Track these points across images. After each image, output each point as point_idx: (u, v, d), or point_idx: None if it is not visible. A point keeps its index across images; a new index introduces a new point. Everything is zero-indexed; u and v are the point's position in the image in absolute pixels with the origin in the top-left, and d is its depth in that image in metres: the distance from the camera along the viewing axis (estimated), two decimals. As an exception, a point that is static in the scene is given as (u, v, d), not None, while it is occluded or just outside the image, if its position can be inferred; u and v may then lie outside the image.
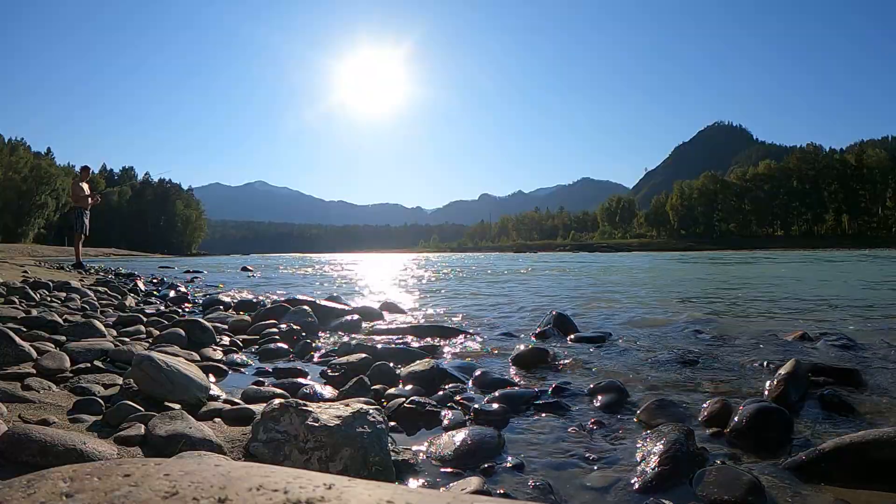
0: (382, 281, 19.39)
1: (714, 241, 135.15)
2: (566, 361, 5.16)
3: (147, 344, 5.33)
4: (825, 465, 2.74)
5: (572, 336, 6.47)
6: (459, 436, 2.90)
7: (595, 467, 2.75)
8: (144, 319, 6.81)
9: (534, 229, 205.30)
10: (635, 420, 3.52)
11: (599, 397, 3.88)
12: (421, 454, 2.84)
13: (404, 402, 3.50)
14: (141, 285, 14.44)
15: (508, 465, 2.72)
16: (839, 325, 7.79)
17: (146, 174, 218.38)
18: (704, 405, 3.65)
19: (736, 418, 3.29)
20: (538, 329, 6.72)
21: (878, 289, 14.40)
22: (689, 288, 15.56)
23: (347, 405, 2.66)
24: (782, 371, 4.08)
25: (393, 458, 2.59)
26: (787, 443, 3.16)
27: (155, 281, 17.72)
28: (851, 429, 3.26)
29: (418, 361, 4.63)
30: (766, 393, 3.97)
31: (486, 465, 2.69)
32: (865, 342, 6.43)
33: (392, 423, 3.24)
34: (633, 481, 2.56)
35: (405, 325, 7.19)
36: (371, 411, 2.62)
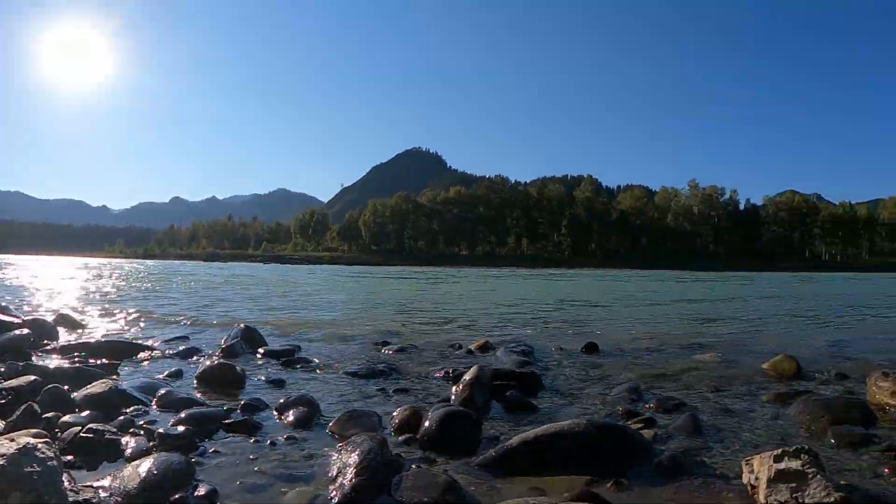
0: (58, 289, 17.67)
1: (403, 257, 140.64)
2: (255, 377, 5.10)
3: None
4: (514, 459, 3.07)
5: (261, 350, 6.40)
6: (144, 466, 2.65)
7: (292, 486, 2.74)
8: None
9: (226, 238, 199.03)
10: (328, 432, 3.58)
11: (291, 412, 3.88)
12: (103, 491, 2.55)
13: (80, 430, 3.17)
14: None
15: (201, 493, 2.59)
16: (518, 333, 8.59)
17: None
18: (395, 413, 3.84)
19: (426, 423, 3.49)
20: (225, 343, 6.52)
21: (549, 301, 16.02)
22: (375, 301, 16.15)
23: (12, 440, 2.36)
24: (467, 377, 4.41)
25: (71, 498, 2.34)
26: (477, 442, 3.44)
27: None
28: (535, 424, 3.63)
29: (96, 383, 4.22)
30: (454, 398, 4.28)
31: (176, 497, 2.52)
32: (540, 347, 7.19)
33: (69, 457, 2.93)
34: (332, 496, 2.59)
35: (83, 342, 6.55)
36: (40, 446, 2.31)
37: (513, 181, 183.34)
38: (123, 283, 22.98)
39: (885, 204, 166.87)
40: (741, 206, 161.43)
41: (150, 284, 21.92)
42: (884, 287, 32.46)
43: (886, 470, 3.07)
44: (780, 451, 2.61)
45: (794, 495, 2.46)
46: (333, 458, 2.92)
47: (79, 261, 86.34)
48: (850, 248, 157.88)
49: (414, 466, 2.93)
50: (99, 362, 5.46)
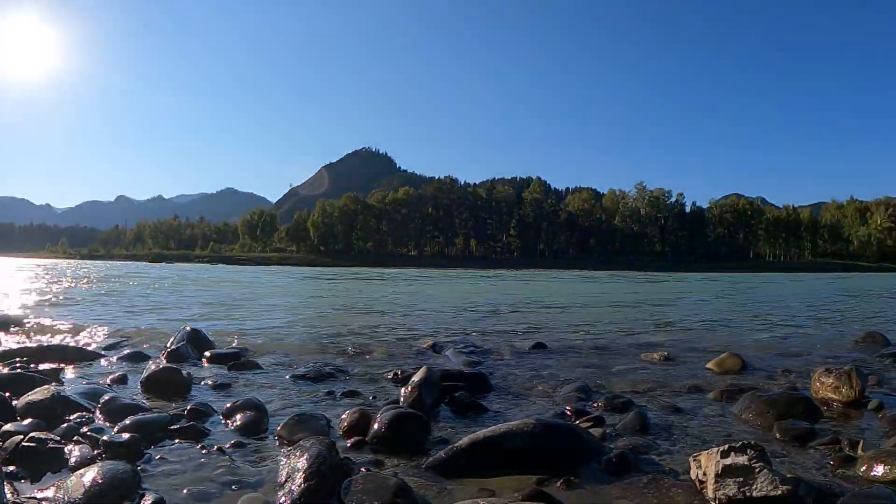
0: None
1: (352, 259, 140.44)
2: (202, 381, 5.01)
3: None
4: (464, 460, 3.06)
5: (208, 353, 6.27)
6: (89, 475, 2.56)
7: (241, 492, 2.70)
8: None
9: (172, 238, 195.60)
10: (276, 437, 3.54)
11: (238, 416, 3.82)
12: (47, 502, 2.46)
13: (23, 439, 3.04)
14: None
15: (147, 502, 2.51)
16: (465, 334, 8.61)
17: None
18: (343, 416, 3.80)
19: (375, 426, 3.48)
20: (171, 346, 6.38)
21: (497, 301, 16.09)
22: (323, 303, 16.04)
23: (-49, 450, 2.28)
24: (416, 378, 4.41)
25: (14, 509, 2.25)
26: (426, 444, 3.44)
27: None
28: (484, 425, 3.64)
29: (38, 389, 4.06)
30: (402, 399, 4.26)
31: (123, 506, 2.44)
32: (489, 347, 7.23)
33: (11, 468, 2.83)
34: (281, 502, 2.56)
35: (24, 346, 6.34)
36: (-20, 456, 2.26)
37: (462, 182, 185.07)
38: (67, 284, 22.47)
39: (827, 207, 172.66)
40: (687, 209, 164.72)
41: (94, 286, 21.45)
42: (824, 287, 33.35)
43: (831, 462, 3.16)
44: (726, 446, 2.67)
45: (741, 489, 2.52)
46: (282, 463, 2.87)
47: (21, 261, 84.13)
48: (793, 248, 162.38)
49: (364, 470, 2.92)
50: (41, 367, 5.29)
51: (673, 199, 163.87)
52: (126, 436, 3.26)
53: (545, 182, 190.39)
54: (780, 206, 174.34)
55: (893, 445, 3.26)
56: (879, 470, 2.93)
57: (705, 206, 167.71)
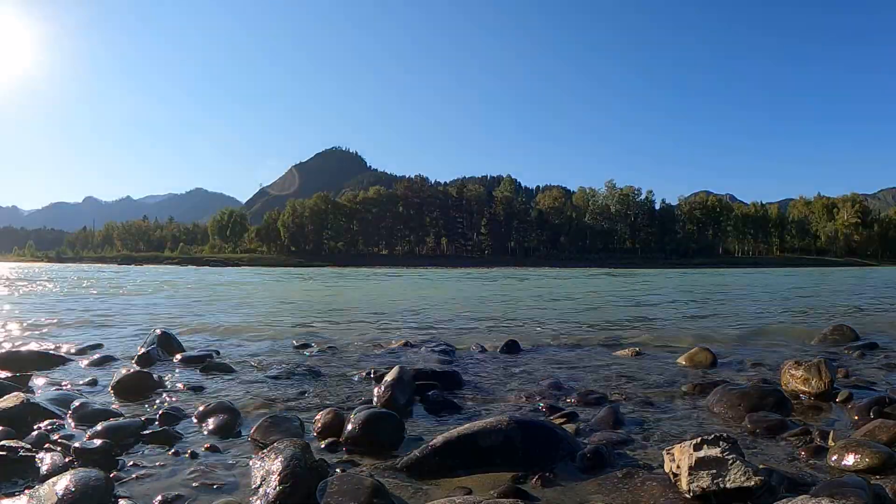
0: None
1: (323, 258, 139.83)
2: (173, 385, 4.97)
3: None
4: (439, 459, 3.06)
5: (179, 356, 6.22)
6: (61, 483, 2.51)
7: (215, 497, 2.68)
8: None
9: (141, 240, 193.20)
10: (250, 440, 3.51)
11: (210, 420, 3.79)
12: None
13: None
14: None
15: None
16: (439, 333, 8.60)
17: None
18: (317, 417, 3.78)
19: (349, 426, 3.47)
20: (141, 350, 6.29)
21: (469, 300, 16.06)
22: (294, 303, 15.94)
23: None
24: (388, 378, 4.41)
25: (-16, 521, 2.21)
26: (400, 443, 3.45)
27: None
28: (458, 423, 3.66)
29: (7, 396, 3.94)
30: (376, 399, 4.26)
31: (95, 514, 2.39)
32: (462, 346, 7.25)
33: None
34: None
35: None
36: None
37: (433, 181, 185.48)
38: (34, 288, 22.13)
39: (794, 204, 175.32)
40: (656, 206, 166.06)
41: (61, 289, 21.15)
42: (793, 281, 33.77)
43: (802, 453, 3.22)
44: (699, 439, 2.69)
45: (714, 481, 2.54)
46: (256, 466, 2.84)
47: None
48: (761, 244, 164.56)
49: (339, 471, 2.91)
50: (10, 373, 5.20)
51: (642, 197, 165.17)
52: (98, 442, 3.20)
53: (515, 180, 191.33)
54: (749, 203, 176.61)
55: (863, 435, 3.33)
56: (850, 459, 2.99)
57: (674, 203, 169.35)
